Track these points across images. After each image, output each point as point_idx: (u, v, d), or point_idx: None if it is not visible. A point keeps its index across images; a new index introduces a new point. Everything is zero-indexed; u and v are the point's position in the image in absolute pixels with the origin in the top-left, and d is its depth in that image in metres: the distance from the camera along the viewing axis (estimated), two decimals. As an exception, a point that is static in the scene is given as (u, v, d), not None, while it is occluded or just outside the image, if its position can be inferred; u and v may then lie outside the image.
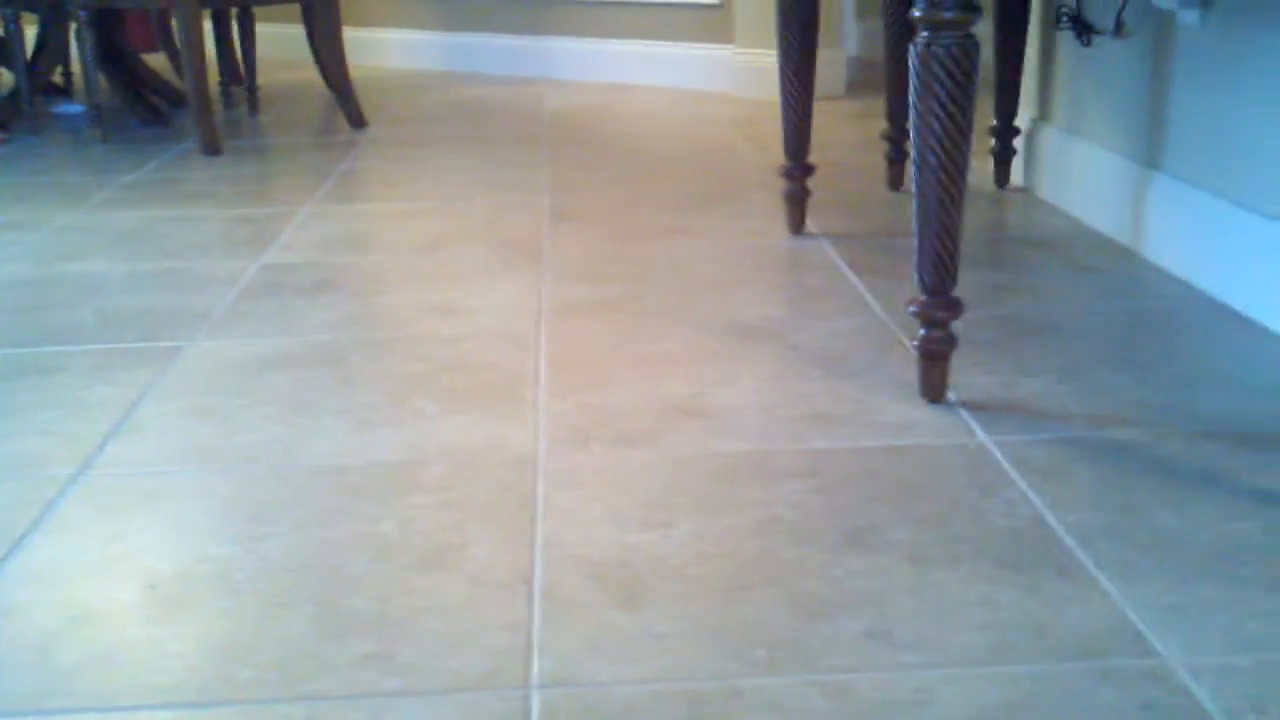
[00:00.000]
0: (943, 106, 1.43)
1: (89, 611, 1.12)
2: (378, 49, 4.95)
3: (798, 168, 2.27)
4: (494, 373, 1.67)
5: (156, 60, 4.68)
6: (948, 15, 1.41)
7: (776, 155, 3.03)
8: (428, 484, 1.35)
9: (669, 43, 4.20)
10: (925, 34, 1.43)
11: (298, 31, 4.70)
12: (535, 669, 1.03)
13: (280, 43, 5.06)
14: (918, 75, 1.44)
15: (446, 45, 4.81)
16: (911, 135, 1.48)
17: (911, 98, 1.46)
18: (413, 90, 4.31)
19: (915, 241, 1.49)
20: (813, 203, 2.49)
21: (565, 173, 2.89)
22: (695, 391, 1.59)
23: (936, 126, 1.44)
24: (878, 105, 3.72)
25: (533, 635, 1.07)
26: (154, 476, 1.39)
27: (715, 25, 4.07)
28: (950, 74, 1.42)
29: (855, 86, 4.11)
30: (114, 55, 3.72)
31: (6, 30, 3.53)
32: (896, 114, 2.58)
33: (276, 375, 1.68)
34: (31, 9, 3.66)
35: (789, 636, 1.05)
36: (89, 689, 1.02)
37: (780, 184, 2.67)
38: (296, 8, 3.89)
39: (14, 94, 3.66)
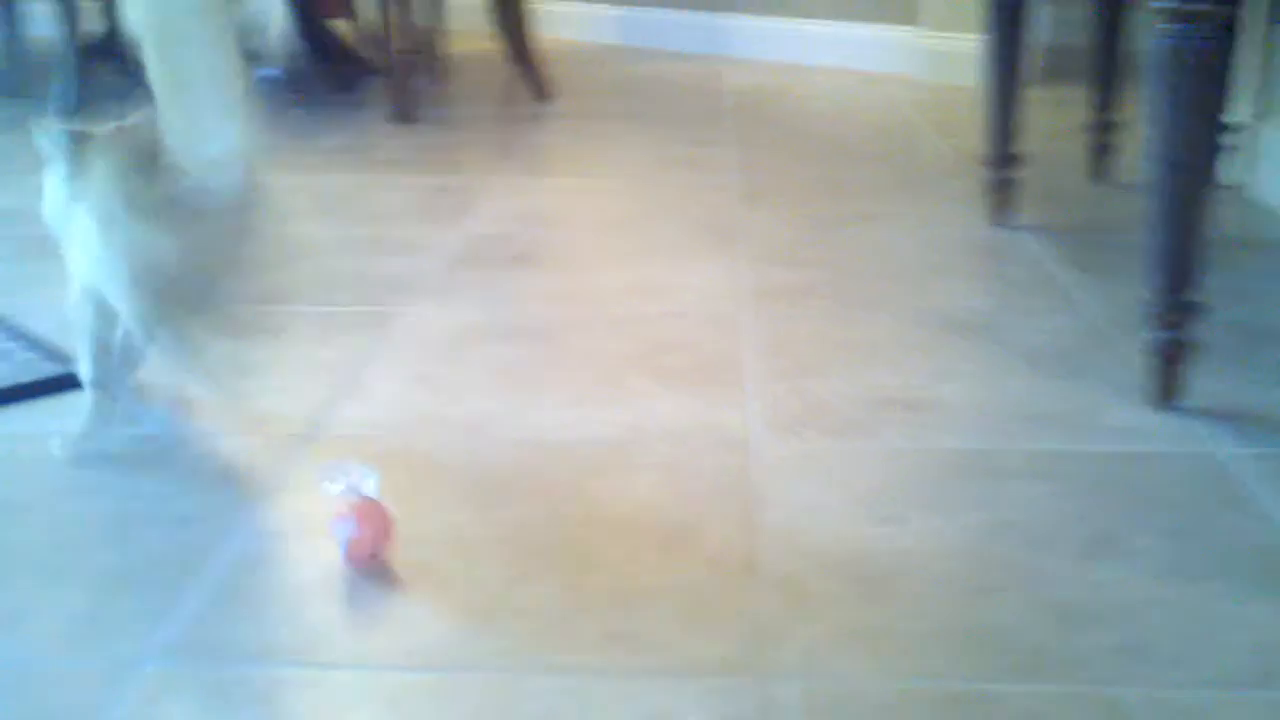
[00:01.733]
0: (1191, 103, 1.39)
1: (329, 574, 1.16)
2: (551, 22, 4.99)
3: (1002, 157, 2.23)
4: (702, 355, 1.68)
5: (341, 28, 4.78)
6: (1203, 6, 1.37)
7: (965, 141, 2.98)
8: (650, 463, 1.36)
9: (849, 23, 4.15)
10: (1173, 25, 1.39)
11: (476, 2, 4.76)
12: (777, 658, 1.03)
13: (455, 13, 5.12)
14: (1162, 70, 1.40)
15: (622, 20, 4.83)
16: (1145, 130, 1.44)
17: (1150, 92, 1.41)
18: (590, 64, 4.33)
19: (1149, 240, 1.45)
20: (1016, 193, 2.44)
21: (751, 153, 2.88)
22: (906, 383, 1.57)
23: (1183, 124, 1.40)
24: (1073, 93, 3.63)
25: (772, 623, 1.07)
26: (382, 441, 1.42)
27: (898, 6, 4.01)
28: (1201, 69, 1.38)
29: (1048, 74, 4.01)
30: (309, 23, 3.81)
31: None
32: (1101, 103, 2.52)
33: (489, 347, 1.71)
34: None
35: (1041, 644, 1.03)
36: (343, 646, 1.05)
37: (973, 172, 2.63)
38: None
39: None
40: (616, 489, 1.31)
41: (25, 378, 1.56)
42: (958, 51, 3.83)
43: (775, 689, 0.99)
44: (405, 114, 3.28)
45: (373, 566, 1.17)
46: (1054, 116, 3.31)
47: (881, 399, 1.53)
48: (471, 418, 1.48)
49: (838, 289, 1.93)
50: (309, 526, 1.24)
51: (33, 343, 1.68)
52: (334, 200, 2.48)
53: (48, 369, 1.59)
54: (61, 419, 1.48)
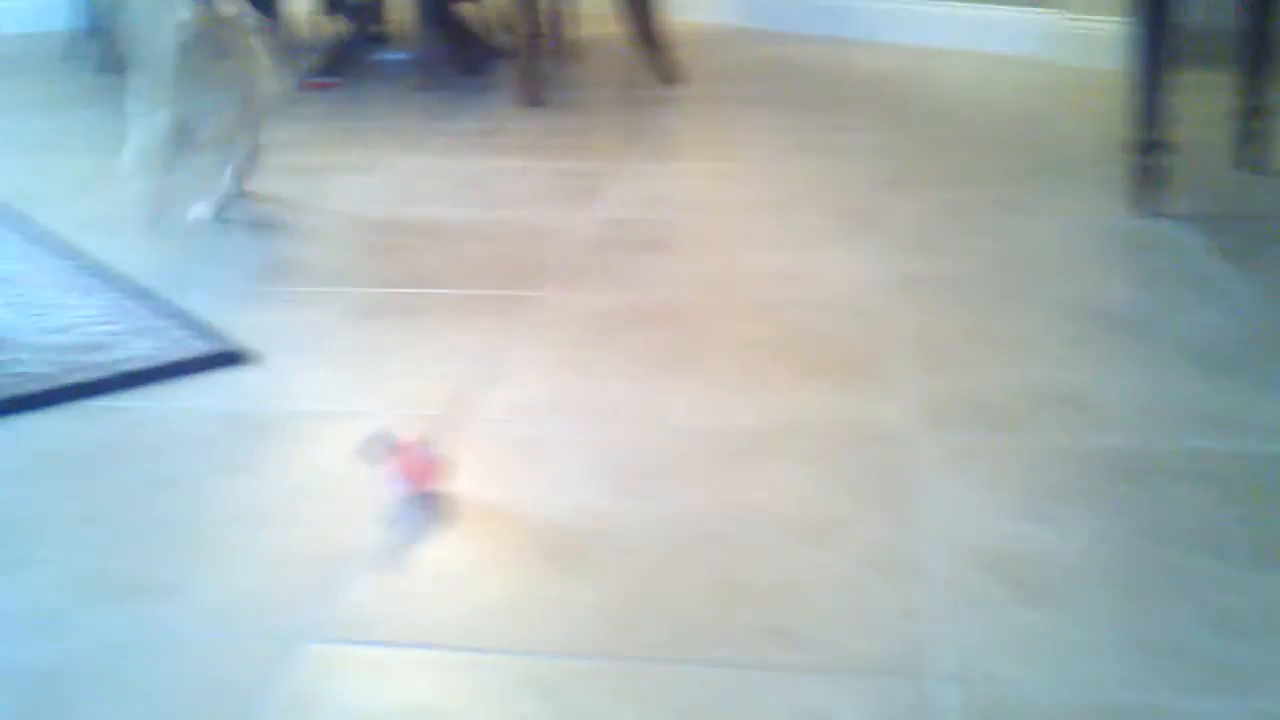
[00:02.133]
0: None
1: (485, 557, 1.16)
2: (677, 4, 4.96)
3: (1148, 143, 2.17)
4: (847, 343, 1.65)
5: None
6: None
7: (1109, 127, 2.90)
8: (799, 454, 1.35)
9: (986, 5, 4.07)
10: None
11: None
12: (935, 660, 1.01)
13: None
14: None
15: (749, 2, 4.79)
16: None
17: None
18: (715, 47, 4.31)
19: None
20: (1164, 181, 2.37)
21: (885, 138, 2.84)
22: (1059, 377, 1.53)
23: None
24: (1220, 78, 3.51)
25: (929, 623, 1.05)
26: (527, 424, 1.43)
27: (1035, -11, 3.92)
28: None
29: (1195, 57, 3.89)
30: (437, 6, 3.84)
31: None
32: (1250, 87, 2.43)
33: (629, 331, 1.70)
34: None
35: (1213, 656, 1.00)
36: (493, 632, 1.05)
37: (1118, 159, 2.56)
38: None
39: (343, 42, 3.82)
40: (767, 479, 1.29)
41: (177, 355, 1.60)
42: (1100, 34, 3.73)
43: (933, 691, 0.97)
44: (533, 97, 3.29)
45: (426, 493, 1.25)
46: (1200, 102, 3.21)
47: (1034, 393, 1.49)
48: (616, 403, 1.48)
49: (983, 278, 1.89)
50: (462, 510, 1.24)
51: (183, 320, 1.71)
52: (464, 183, 2.49)
53: (199, 347, 1.62)
54: (213, 396, 1.51)
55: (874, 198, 2.35)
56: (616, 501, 1.25)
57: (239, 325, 1.73)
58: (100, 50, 3.96)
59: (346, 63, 3.79)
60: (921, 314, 1.75)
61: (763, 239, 2.10)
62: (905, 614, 1.06)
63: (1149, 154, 2.18)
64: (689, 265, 1.97)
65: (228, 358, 1.60)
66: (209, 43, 1.86)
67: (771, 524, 1.21)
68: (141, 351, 1.60)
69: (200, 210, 1.99)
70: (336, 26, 4.16)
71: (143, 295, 1.81)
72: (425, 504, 1.25)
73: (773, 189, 2.42)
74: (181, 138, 1.79)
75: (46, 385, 1.50)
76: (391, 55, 4.10)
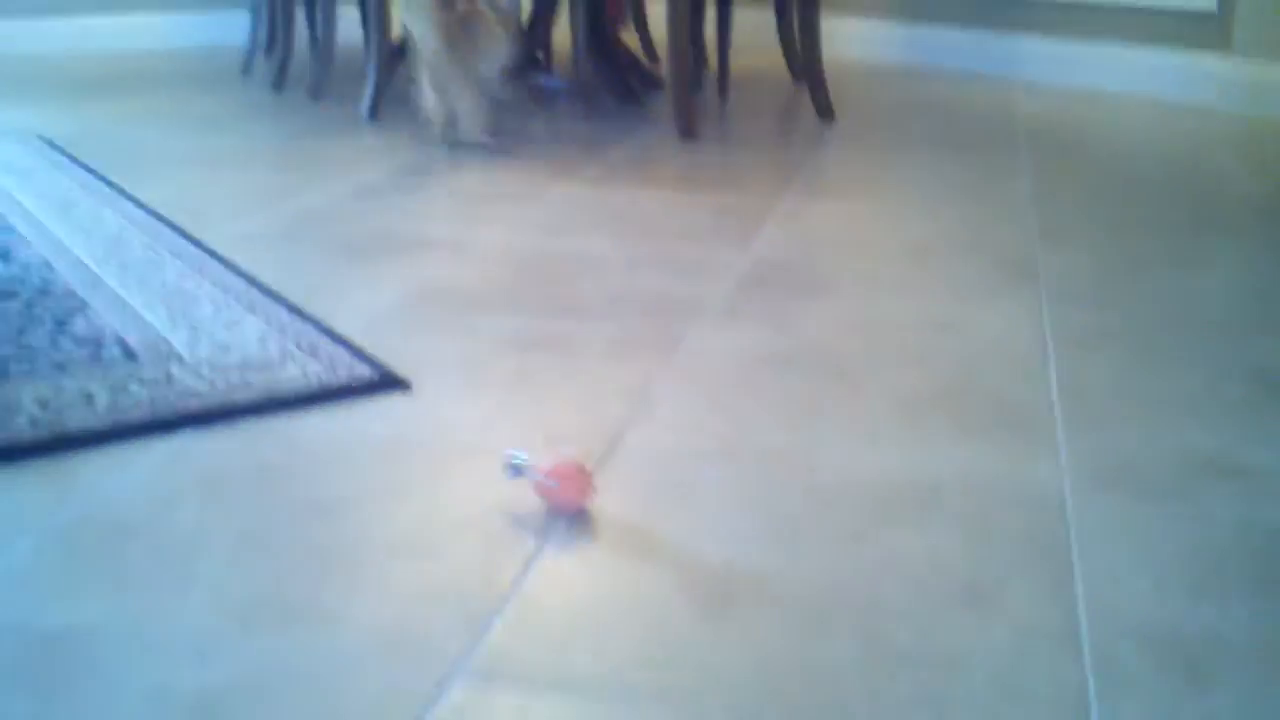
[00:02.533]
0: None
1: (633, 601, 1.15)
2: (836, 38, 4.94)
3: (1333, 204, 2.08)
4: (1005, 398, 1.61)
5: (628, 39, 4.85)
6: None
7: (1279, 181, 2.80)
8: (953, 512, 1.31)
9: (1153, 48, 3.96)
10: None
11: (758, 17, 4.75)
12: (1096, 739, 0.97)
13: (741, 27, 5.14)
14: None
15: (909, 37, 4.74)
16: None
17: None
18: (873, 83, 4.27)
19: None
20: (1338, 242, 2.28)
21: (1046, 185, 2.78)
22: (1225, 446, 1.48)
23: None
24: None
25: (1090, 702, 1.01)
26: (679, 467, 1.42)
27: (1208, 32, 3.81)
28: None
29: (1364, 109, 3.74)
30: (597, 35, 3.87)
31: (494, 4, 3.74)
32: None
33: (783, 376, 1.68)
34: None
35: (1396, 755, 0.95)
36: (639, 680, 1.04)
37: (1295, 217, 2.46)
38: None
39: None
40: (918, 538, 1.26)
41: (335, 380, 1.63)
42: (1274, 82, 3.61)
43: (1092, 773, 0.94)
44: (688, 130, 3.30)
45: (578, 511, 1.29)
46: (1381, 157, 3.08)
47: (1198, 461, 1.44)
48: (766, 449, 1.46)
49: (1147, 336, 1.84)
50: (611, 553, 1.24)
51: (340, 343, 1.75)
52: (618, 215, 2.51)
53: (356, 371, 1.65)
54: (369, 422, 1.53)
55: (1031, 247, 2.30)
56: (767, 552, 1.24)
57: (394, 350, 1.75)
58: (276, 66, 4.08)
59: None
60: (1081, 370, 1.70)
61: (917, 285, 2.07)
62: (1064, 691, 1.03)
63: (1328, 212, 2.09)
64: (842, 309, 1.95)
65: (384, 383, 1.63)
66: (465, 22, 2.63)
67: (923, 584, 1.18)
68: (300, 374, 1.64)
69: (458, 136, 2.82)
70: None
71: (302, 316, 1.85)
72: (575, 526, 1.25)
73: (930, 233, 2.38)
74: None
75: (207, 404, 1.54)
76: (548, 81, 4.15)
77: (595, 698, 1.02)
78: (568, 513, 1.32)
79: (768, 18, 4.29)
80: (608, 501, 1.34)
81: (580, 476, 1.32)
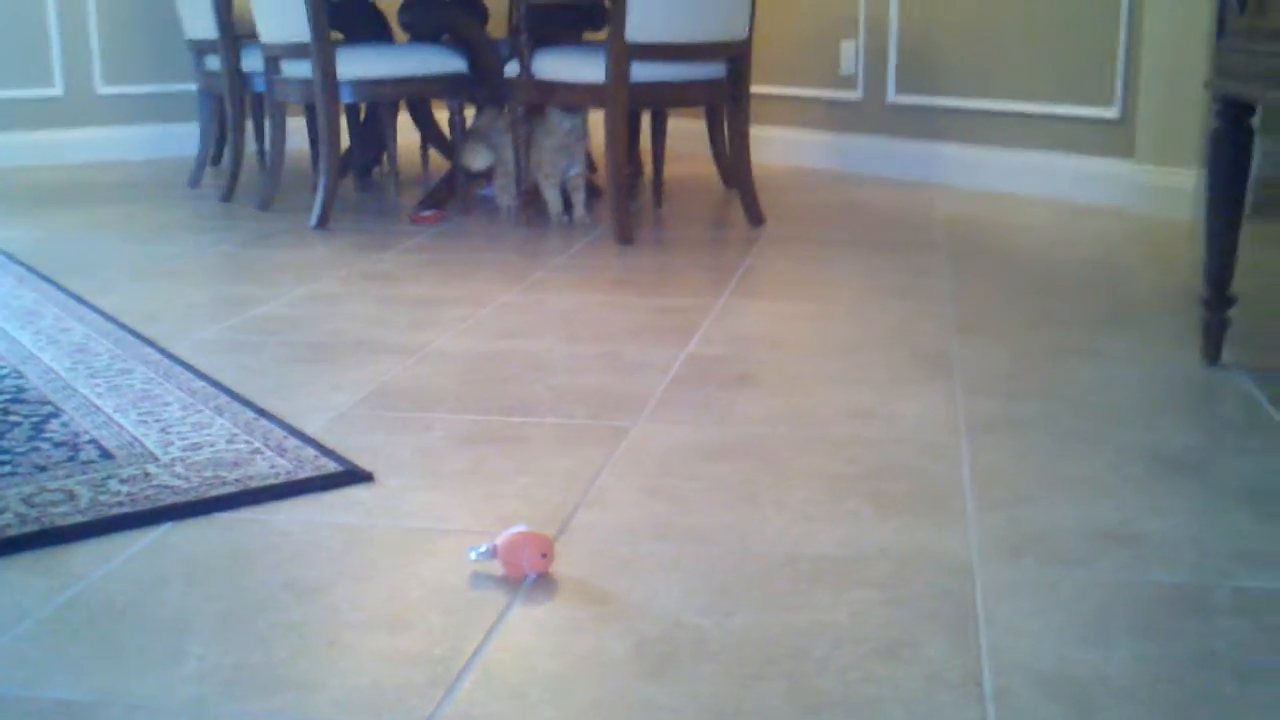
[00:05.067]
0: None
1: (588, 662, 1.28)
2: (763, 146, 5.17)
3: (1219, 297, 2.27)
4: (921, 480, 1.76)
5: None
6: None
7: (1180, 278, 3.01)
8: (873, 581, 1.45)
9: (1061, 154, 4.21)
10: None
11: (690, 126, 4.97)
12: (996, 769, 1.10)
13: (673, 137, 5.36)
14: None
15: (833, 145, 4.98)
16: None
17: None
18: (801, 189, 4.49)
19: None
20: (1229, 332, 2.47)
21: (962, 282, 2.97)
22: (1124, 518, 1.63)
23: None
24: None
25: (992, 737, 1.15)
26: (625, 544, 1.55)
27: (1112, 139, 4.06)
28: None
29: (1260, 208, 3.99)
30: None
31: (451, 122, 3.92)
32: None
33: (717, 464, 1.83)
34: (472, 102, 4.05)
35: (1252, 772, 1.09)
36: (596, 732, 1.16)
37: (1187, 308, 2.66)
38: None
39: (448, 178, 4.05)
40: (840, 602, 1.40)
41: (302, 473, 1.75)
42: (1173, 186, 3.85)
43: (994, 799, 1.07)
44: (626, 236, 3.47)
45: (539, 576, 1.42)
46: (1269, 253, 3.31)
47: (1097, 531, 1.59)
48: (705, 530, 1.60)
49: (1051, 422, 2.00)
50: (563, 621, 1.37)
51: (308, 440, 1.87)
52: (563, 318, 2.66)
53: (321, 465, 1.77)
54: (335, 511, 1.65)
55: (948, 341, 2.47)
56: (705, 617, 1.37)
57: (355, 445, 1.88)
58: (226, 178, 4.23)
59: (448, 198, 4.01)
60: (991, 454, 1.86)
61: (843, 377, 2.23)
62: (968, 729, 1.16)
63: (1220, 306, 2.28)
64: (774, 401, 2.10)
65: (348, 476, 1.75)
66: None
67: (844, 641, 1.31)
68: (269, 469, 1.76)
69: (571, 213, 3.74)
70: (448, 160, 4.40)
71: (266, 415, 1.98)
72: (532, 596, 1.38)
73: (853, 330, 2.55)
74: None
75: (184, 498, 1.66)
76: (490, 191, 4.33)
77: (554, 746, 1.14)
78: (529, 576, 1.44)
79: (699, 127, 4.50)
80: (561, 576, 1.47)
81: (536, 542, 1.45)
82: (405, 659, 1.29)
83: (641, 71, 3.44)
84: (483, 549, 1.48)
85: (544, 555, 1.46)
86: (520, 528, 1.48)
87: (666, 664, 1.27)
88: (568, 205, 3.78)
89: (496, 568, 1.47)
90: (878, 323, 2.61)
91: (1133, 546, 1.54)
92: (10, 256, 3.22)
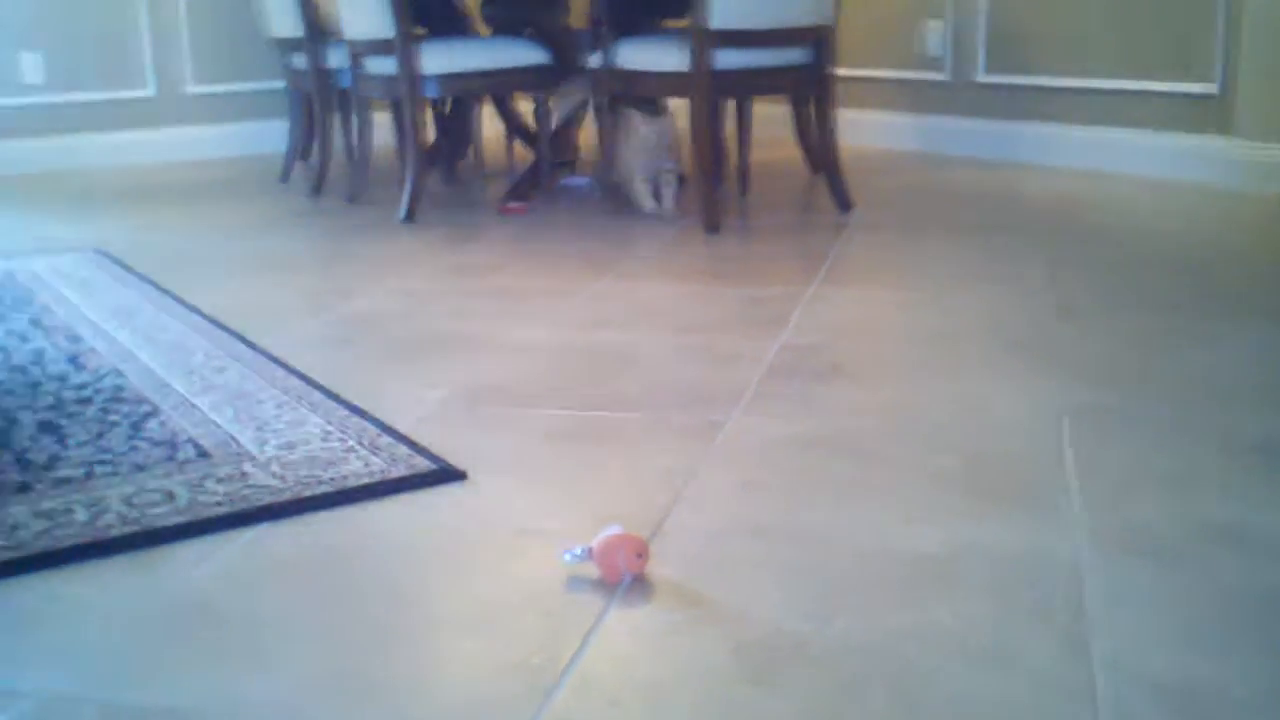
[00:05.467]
0: None
1: (687, 669, 1.26)
2: (851, 129, 5.10)
3: (1330, 280, 2.19)
4: (1022, 473, 1.72)
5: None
6: None
7: (1287, 258, 2.91)
8: (976, 582, 1.42)
9: (1156, 131, 4.11)
10: None
11: (775, 111, 4.92)
12: (1112, 781, 1.06)
13: (759, 121, 5.31)
14: None
15: (921, 126, 4.90)
16: None
17: None
18: (888, 172, 4.42)
19: None
20: (1339, 315, 2.38)
21: (1058, 265, 2.90)
22: (1238, 514, 1.57)
23: None
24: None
25: (1107, 747, 1.11)
26: (722, 545, 1.53)
27: (1210, 115, 3.95)
28: None
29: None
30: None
31: (536, 114, 3.92)
32: None
33: (813, 457, 1.79)
34: (555, 93, 4.05)
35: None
36: (696, 740, 1.14)
37: (1298, 292, 2.57)
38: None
39: (534, 168, 4.05)
40: (945, 606, 1.37)
41: (396, 473, 1.75)
42: (1275, 162, 3.73)
43: (1110, 812, 1.03)
44: (712, 223, 3.44)
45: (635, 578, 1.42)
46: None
47: (1210, 528, 1.54)
48: (804, 527, 1.57)
49: (1158, 410, 1.94)
50: (662, 617, 1.35)
51: (401, 439, 1.87)
52: (652, 309, 2.63)
53: (415, 464, 1.77)
54: (429, 511, 1.65)
55: (1046, 326, 2.41)
56: (805, 621, 1.34)
57: (448, 443, 1.87)
58: (314, 173, 4.26)
59: (534, 188, 4.01)
60: (1094, 445, 1.81)
61: (939, 366, 2.19)
62: (1081, 739, 1.12)
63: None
64: (869, 392, 2.06)
65: (442, 475, 1.74)
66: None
67: (950, 647, 1.28)
68: (363, 468, 1.76)
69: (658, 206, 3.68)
70: (530, 152, 4.40)
71: (360, 413, 1.98)
72: (629, 599, 1.36)
73: (947, 316, 2.50)
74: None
75: (280, 498, 1.66)
76: (576, 181, 4.32)
77: (655, 755, 1.12)
78: (625, 579, 1.43)
79: (784, 111, 4.45)
80: (657, 578, 1.45)
81: (632, 544, 1.43)
82: (502, 666, 1.28)
83: (725, 59, 3.40)
84: (577, 551, 1.46)
85: (639, 556, 1.44)
86: (615, 529, 1.46)
87: (766, 670, 1.25)
88: (657, 196, 3.75)
89: (592, 570, 1.45)
90: (972, 308, 2.55)
91: (1248, 545, 1.49)
92: (107, 255, 3.27)
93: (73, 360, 2.30)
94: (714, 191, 3.49)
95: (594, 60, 3.66)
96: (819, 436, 1.88)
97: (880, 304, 2.63)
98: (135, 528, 1.58)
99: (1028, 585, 1.41)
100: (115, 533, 1.57)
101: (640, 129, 3.61)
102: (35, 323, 2.58)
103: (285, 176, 4.58)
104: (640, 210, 3.74)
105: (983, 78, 4.66)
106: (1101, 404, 1.98)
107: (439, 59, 3.70)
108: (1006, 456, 1.78)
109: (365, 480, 1.72)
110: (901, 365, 2.21)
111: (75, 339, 2.45)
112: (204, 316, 2.61)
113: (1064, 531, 1.54)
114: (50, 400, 2.07)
